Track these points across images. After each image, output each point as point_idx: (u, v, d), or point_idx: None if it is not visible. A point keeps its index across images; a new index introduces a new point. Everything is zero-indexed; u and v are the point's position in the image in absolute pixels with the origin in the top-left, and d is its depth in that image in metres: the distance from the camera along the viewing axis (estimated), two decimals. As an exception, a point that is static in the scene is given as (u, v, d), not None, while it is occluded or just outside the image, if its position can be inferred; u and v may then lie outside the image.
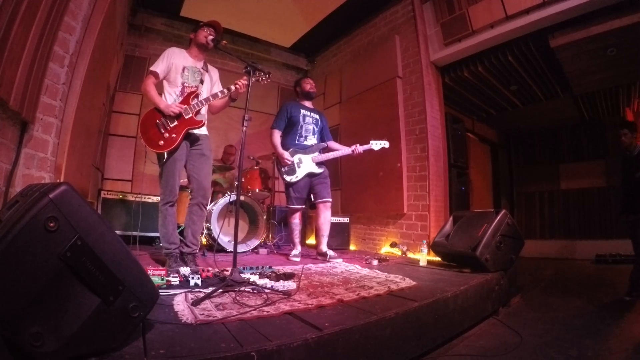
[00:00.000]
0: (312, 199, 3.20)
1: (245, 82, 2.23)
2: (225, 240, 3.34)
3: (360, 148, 3.09)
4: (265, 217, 3.74)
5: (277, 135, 3.14)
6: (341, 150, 3.16)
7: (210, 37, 2.32)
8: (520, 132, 7.12)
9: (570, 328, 1.93)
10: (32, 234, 0.79)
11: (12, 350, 0.75)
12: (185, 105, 2.25)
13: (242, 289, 1.64)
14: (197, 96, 2.33)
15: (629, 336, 1.83)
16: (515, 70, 4.23)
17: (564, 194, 6.38)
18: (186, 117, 2.25)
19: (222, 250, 3.29)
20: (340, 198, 4.87)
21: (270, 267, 2.26)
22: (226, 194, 3.49)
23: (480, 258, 2.29)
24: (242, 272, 1.94)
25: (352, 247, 4.42)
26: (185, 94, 2.31)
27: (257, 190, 3.84)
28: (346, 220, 4.27)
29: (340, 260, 2.96)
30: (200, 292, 1.56)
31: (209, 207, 3.32)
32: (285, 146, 3.14)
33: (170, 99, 2.31)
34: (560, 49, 3.61)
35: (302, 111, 3.20)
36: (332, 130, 4.91)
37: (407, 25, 4.19)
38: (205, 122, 2.42)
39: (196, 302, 1.39)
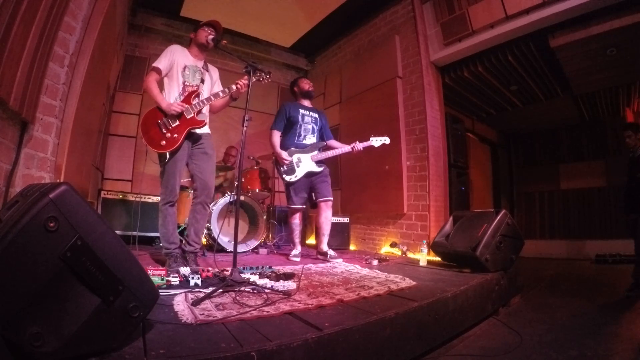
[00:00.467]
0: (314, 198, 3.19)
1: (244, 82, 2.23)
2: (225, 240, 3.34)
3: (359, 145, 3.09)
4: (265, 217, 3.74)
5: (276, 136, 3.14)
6: (341, 148, 3.15)
7: (211, 37, 2.32)
8: (520, 132, 7.12)
9: (570, 328, 1.92)
10: (32, 234, 0.79)
11: (12, 350, 0.75)
12: (187, 105, 2.25)
13: (242, 289, 1.64)
14: (198, 95, 2.33)
15: (629, 336, 1.83)
16: (515, 70, 4.23)
17: (564, 194, 6.38)
18: (188, 117, 2.25)
19: (222, 250, 3.29)
20: (340, 198, 4.87)
21: (270, 267, 2.26)
22: (226, 194, 3.49)
23: (480, 258, 2.29)
24: (242, 272, 1.94)
25: (352, 247, 4.42)
26: (187, 93, 2.31)
27: (257, 190, 3.84)
28: (346, 220, 4.27)
29: (340, 260, 2.96)
30: (200, 292, 1.56)
31: (210, 206, 3.32)
32: (284, 146, 3.14)
33: (171, 98, 2.30)
34: (560, 49, 3.61)
35: (301, 111, 3.20)
36: (332, 130, 4.89)
37: (407, 25, 4.19)
38: (207, 122, 2.41)
39: (196, 302, 1.39)
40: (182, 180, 2.42)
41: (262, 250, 3.57)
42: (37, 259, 0.79)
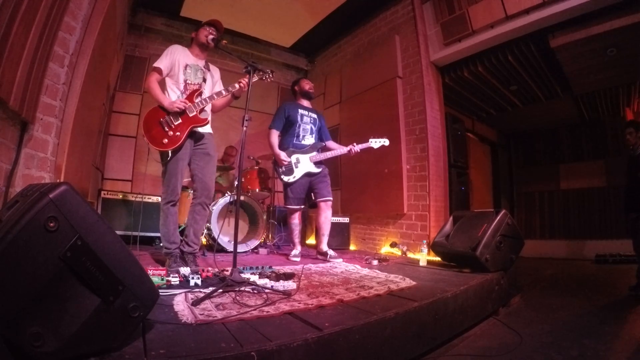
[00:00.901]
0: (313, 198, 3.19)
1: (246, 80, 2.23)
2: (225, 240, 3.34)
3: (357, 147, 3.09)
4: (265, 217, 3.74)
5: (274, 136, 3.14)
6: (338, 150, 3.16)
7: (211, 37, 2.32)
8: (520, 132, 7.12)
9: (570, 328, 1.92)
10: (32, 234, 0.79)
11: (12, 350, 0.75)
12: (190, 103, 2.25)
13: (242, 289, 1.64)
14: (200, 94, 2.33)
15: (629, 336, 1.83)
16: (515, 70, 4.23)
17: (564, 194, 6.38)
18: (190, 115, 2.25)
19: (222, 250, 3.29)
20: (340, 198, 4.87)
21: (270, 267, 2.26)
22: (226, 194, 3.49)
23: (480, 258, 2.29)
24: (242, 272, 1.94)
25: (352, 247, 4.42)
26: (189, 91, 2.31)
27: (257, 190, 3.84)
28: (346, 220, 4.27)
29: (340, 260, 2.96)
30: (200, 292, 1.56)
31: (210, 207, 3.32)
32: (283, 146, 3.14)
33: (173, 96, 2.30)
34: (560, 49, 3.61)
35: (300, 111, 3.20)
36: (332, 130, 4.92)
37: (407, 25, 4.19)
38: (210, 121, 2.41)
39: (196, 302, 1.39)
40: (184, 180, 2.42)
41: (262, 250, 3.57)
42: (37, 259, 0.79)
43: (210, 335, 1.06)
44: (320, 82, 5.59)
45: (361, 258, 3.14)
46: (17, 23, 1.45)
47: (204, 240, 3.55)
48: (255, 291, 1.63)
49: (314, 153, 3.15)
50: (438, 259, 3.00)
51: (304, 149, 3.14)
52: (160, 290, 1.23)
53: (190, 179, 2.60)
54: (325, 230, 3.17)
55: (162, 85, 2.34)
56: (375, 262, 2.85)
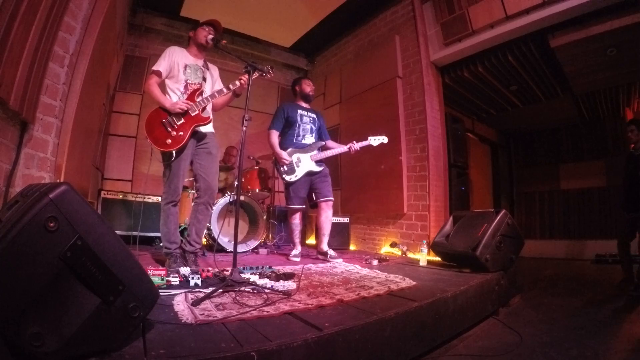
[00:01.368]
0: (314, 198, 3.19)
1: (246, 78, 2.23)
2: (225, 240, 3.34)
3: (357, 145, 3.10)
4: (265, 217, 3.74)
5: (274, 136, 3.14)
6: (338, 148, 3.16)
7: (210, 37, 2.32)
8: (520, 132, 7.12)
9: (570, 328, 1.92)
10: (32, 234, 0.79)
11: (12, 350, 0.75)
12: (192, 103, 2.25)
13: (242, 289, 1.64)
14: (201, 93, 2.33)
15: (629, 336, 1.83)
16: (515, 70, 4.23)
17: (564, 194, 6.38)
18: (192, 115, 2.26)
19: (222, 250, 3.29)
20: (340, 198, 4.87)
21: (270, 267, 2.26)
22: (226, 194, 3.49)
23: (480, 258, 2.29)
24: (242, 272, 1.94)
25: (352, 247, 4.42)
26: (190, 91, 2.31)
27: (257, 190, 3.84)
28: (346, 220, 4.27)
29: (340, 260, 2.96)
30: (200, 292, 1.56)
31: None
32: (283, 146, 3.14)
33: (174, 97, 2.30)
34: (560, 49, 3.60)
35: (299, 111, 3.20)
36: (332, 130, 4.92)
37: (407, 25, 4.19)
38: (212, 119, 2.41)
39: (196, 302, 1.39)
40: (184, 181, 2.42)
41: (262, 250, 3.57)
42: (37, 259, 0.79)
43: (210, 335, 1.06)
44: (320, 82, 5.59)
45: (361, 258, 3.14)
46: (17, 23, 1.45)
47: (203, 240, 3.55)
48: (255, 291, 1.63)
49: (315, 152, 3.16)
50: (438, 259, 3.00)
51: (304, 148, 3.14)
52: (160, 290, 1.23)
53: (191, 179, 2.60)
54: (326, 230, 3.17)
55: (162, 87, 2.34)
56: (375, 262, 2.85)
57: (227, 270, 1.94)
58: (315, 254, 3.25)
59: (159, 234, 3.40)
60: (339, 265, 2.72)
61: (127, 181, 4.39)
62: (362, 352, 1.21)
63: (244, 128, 1.88)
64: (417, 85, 3.99)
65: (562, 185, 6.45)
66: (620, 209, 3.17)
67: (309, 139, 3.21)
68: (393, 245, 3.97)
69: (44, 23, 1.70)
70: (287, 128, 3.18)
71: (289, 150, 3.11)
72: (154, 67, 2.29)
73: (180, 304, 1.38)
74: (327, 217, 3.15)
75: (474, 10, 3.58)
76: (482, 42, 3.66)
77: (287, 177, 3.08)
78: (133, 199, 3.57)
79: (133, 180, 4.40)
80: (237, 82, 2.28)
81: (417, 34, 4.02)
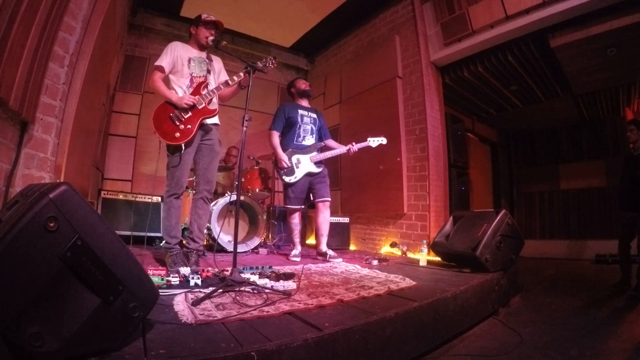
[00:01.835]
0: (312, 198, 3.20)
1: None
2: (225, 240, 3.34)
3: (356, 146, 3.10)
4: (265, 217, 3.74)
5: (275, 137, 3.14)
6: (338, 149, 3.17)
7: (211, 38, 2.32)
8: (520, 132, 7.12)
9: (570, 328, 1.93)
10: (32, 234, 0.79)
11: (12, 350, 0.75)
12: (198, 96, 2.25)
13: (242, 289, 1.64)
14: (207, 86, 2.33)
15: (629, 336, 1.83)
16: (515, 70, 4.23)
17: (564, 194, 6.38)
18: (200, 107, 2.26)
19: (222, 250, 3.29)
20: (340, 198, 4.87)
21: (270, 267, 2.26)
22: (226, 194, 3.49)
23: (480, 258, 2.29)
24: (242, 272, 1.94)
25: (352, 247, 4.42)
26: (195, 84, 2.32)
27: (257, 190, 3.84)
28: (346, 220, 4.27)
29: (340, 260, 2.96)
30: (200, 292, 1.56)
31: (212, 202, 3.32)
32: (283, 146, 3.14)
33: (180, 92, 2.31)
34: (560, 49, 3.61)
35: (300, 111, 3.20)
36: (332, 130, 4.91)
37: (407, 25, 4.19)
38: (218, 111, 2.41)
39: (196, 302, 1.39)
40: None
41: (262, 250, 3.57)
42: (37, 259, 0.79)
43: (210, 335, 1.06)
44: (320, 82, 5.59)
45: (361, 258, 3.14)
46: (17, 23, 1.45)
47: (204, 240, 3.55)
48: (255, 291, 1.63)
49: (314, 153, 3.16)
50: (438, 259, 3.00)
51: (304, 149, 3.14)
52: (160, 290, 1.23)
53: (191, 179, 2.59)
54: (324, 230, 3.17)
55: (167, 82, 2.34)
56: (375, 262, 2.85)
57: (227, 270, 1.94)
58: (315, 254, 3.25)
59: (159, 234, 3.41)
60: (339, 265, 2.72)
61: (127, 181, 4.39)
62: (362, 352, 1.21)
63: (244, 128, 1.88)
64: (417, 85, 3.99)
65: (562, 185, 6.45)
66: (619, 209, 3.18)
67: (309, 140, 3.21)
68: (393, 245, 3.97)
69: (44, 23, 1.70)
70: (288, 128, 3.17)
71: (289, 151, 3.11)
72: (157, 63, 2.28)
73: (180, 304, 1.38)
74: (325, 217, 3.16)
75: (474, 10, 3.58)
76: (482, 42, 3.66)
77: (287, 178, 3.08)
78: (133, 198, 3.57)
79: (133, 180, 4.40)
80: (241, 74, 2.26)
81: (417, 34, 4.02)
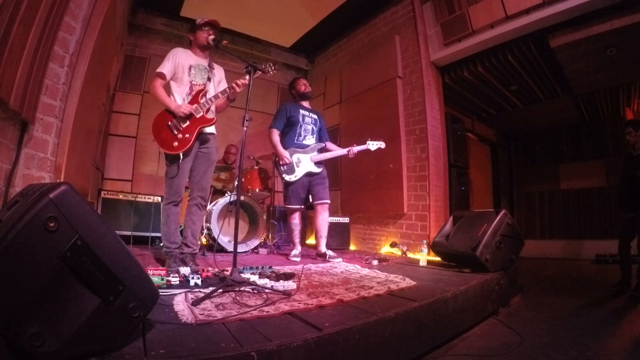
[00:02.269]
0: (310, 200, 3.20)
1: (243, 82, 2.24)
2: (225, 240, 3.34)
3: (355, 149, 3.12)
4: (265, 217, 3.74)
5: (276, 135, 3.15)
6: (337, 151, 3.18)
7: (211, 37, 2.32)
8: (520, 132, 7.12)
9: (570, 328, 1.93)
10: (32, 234, 0.79)
11: (12, 350, 0.75)
12: (195, 105, 2.26)
13: (242, 289, 1.64)
14: (205, 94, 2.33)
15: (629, 336, 1.83)
16: (515, 70, 4.23)
17: (564, 194, 6.38)
18: (197, 116, 2.27)
19: (222, 250, 3.29)
20: (340, 198, 4.87)
21: (270, 267, 2.26)
22: (226, 194, 3.49)
23: (480, 258, 2.29)
24: (242, 272, 1.94)
25: (352, 247, 4.42)
26: (194, 92, 2.32)
27: (257, 190, 3.84)
28: (346, 220, 4.27)
29: (340, 260, 2.96)
30: (200, 292, 1.56)
31: (209, 207, 3.33)
32: (284, 145, 3.14)
33: (179, 99, 2.31)
34: (560, 49, 3.61)
35: (301, 111, 3.20)
36: (332, 130, 4.93)
37: (407, 25, 4.19)
38: (215, 120, 2.42)
39: (196, 302, 1.39)
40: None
41: (262, 250, 3.57)
42: (37, 259, 0.79)
43: (210, 335, 1.06)
44: (320, 82, 5.59)
45: (361, 258, 3.14)
46: (17, 23, 1.45)
47: (204, 240, 3.55)
48: (255, 291, 1.63)
49: (315, 153, 3.16)
50: (438, 259, 3.00)
51: (305, 149, 3.15)
52: (160, 290, 1.23)
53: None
54: (323, 232, 3.18)
55: (167, 88, 2.35)
56: (375, 262, 2.85)
57: (227, 270, 1.94)
58: (314, 254, 3.25)
59: (159, 234, 3.41)
60: (339, 265, 2.72)
61: (127, 181, 4.39)
62: (362, 352, 1.21)
63: (245, 128, 1.88)
64: (417, 85, 3.99)
65: (562, 185, 6.44)
66: (619, 209, 3.18)
67: (310, 140, 3.22)
68: (393, 245, 3.97)
69: (44, 23, 1.70)
70: (289, 128, 3.18)
71: (290, 149, 3.11)
72: (158, 70, 2.29)
73: (180, 303, 1.38)
74: (324, 219, 3.16)
75: (474, 10, 3.58)
76: (482, 42, 3.66)
77: (287, 177, 3.08)
78: (133, 198, 3.57)
79: (133, 180, 4.40)
80: (227, 90, 2.29)
81: (417, 34, 4.02)
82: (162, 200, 2.41)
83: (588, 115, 5.93)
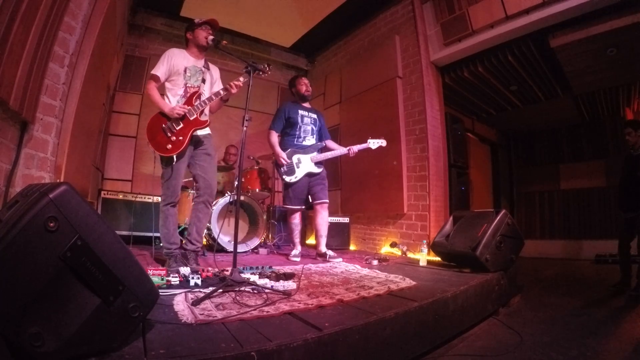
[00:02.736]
0: (310, 200, 3.20)
1: (237, 83, 2.24)
2: (225, 240, 3.34)
3: (355, 148, 3.11)
4: (265, 217, 3.74)
5: (274, 136, 3.15)
6: (338, 150, 3.17)
7: (210, 38, 2.32)
8: (520, 132, 7.12)
9: (570, 328, 1.93)
10: (32, 234, 0.79)
11: (12, 350, 0.75)
12: (189, 107, 2.25)
13: (242, 289, 1.64)
14: (199, 96, 2.33)
15: (629, 336, 1.83)
16: (515, 70, 4.23)
17: (564, 194, 6.38)
18: (191, 119, 2.26)
19: (222, 250, 3.29)
20: (340, 198, 4.87)
21: (270, 267, 2.26)
22: (226, 194, 3.49)
23: (480, 258, 2.29)
24: (242, 272, 1.94)
25: (352, 247, 4.42)
26: (188, 94, 2.31)
27: (257, 190, 3.84)
28: (346, 220, 4.27)
29: (340, 260, 2.96)
30: (200, 292, 1.56)
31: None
32: (284, 146, 3.14)
33: (173, 101, 2.31)
34: (560, 49, 3.61)
35: (301, 112, 3.20)
36: (332, 130, 4.91)
37: (407, 25, 4.19)
38: (209, 122, 2.42)
39: (196, 302, 1.39)
40: (183, 181, 2.43)
41: (262, 250, 3.57)
42: (37, 259, 0.79)
43: (210, 335, 1.06)
44: (320, 82, 5.59)
45: (361, 258, 3.14)
46: (17, 23, 1.45)
47: (204, 240, 3.55)
48: (255, 291, 1.63)
49: (315, 153, 3.16)
50: (438, 259, 3.00)
51: (305, 149, 3.15)
52: (160, 290, 1.23)
53: (189, 179, 2.61)
54: (323, 232, 3.18)
55: (162, 89, 2.35)
56: (375, 262, 2.85)
57: (227, 270, 1.94)
58: (315, 255, 3.25)
59: (159, 234, 3.41)
60: (339, 265, 2.72)
61: (127, 181, 4.39)
62: (362, 352, 1.21)
63: (244, 128, 1.88)
64: (417, 85, 3.99)
65: (562, 185, 6.44)
66: (619, 209, 3.18)
67: (310, 141, 3.21)
68: (393, 245, 3.97)
69: (44, 23, 1.70)
70: (288, 129, 3.18)
71: (289, 150, 3.11)
72: (153, 72, 2.30)
73: (180, 303, 1.38)
74: (323, 219, 3.16)
75: (474, 10, 3.58)
76: (482, 42, 3.66)
77: (287, 178, 3.08)
78: (133, 198, 3.57)
79: (133, 180, 4.40)
80: (221, 92, 2.29)
81: (417, 34, 4.02)
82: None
83: (588, 115, 5.93)
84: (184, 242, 2.45)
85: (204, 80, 2.42)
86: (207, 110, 2.42)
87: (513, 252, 2.50)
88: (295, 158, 3.10)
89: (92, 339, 0.86)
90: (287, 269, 2.23)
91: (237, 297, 1.51)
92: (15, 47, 1.47)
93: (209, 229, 3.42)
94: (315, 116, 3.30)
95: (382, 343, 1.29)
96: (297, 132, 3.17)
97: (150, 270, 1.85)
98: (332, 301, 1.51)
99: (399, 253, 3.81)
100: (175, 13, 4.71)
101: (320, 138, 3.31)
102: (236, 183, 2.29)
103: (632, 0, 2.87)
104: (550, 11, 3.09)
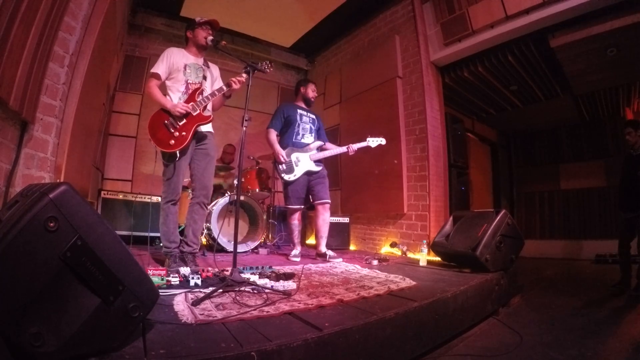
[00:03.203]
0: (311, 200, 3.20)
1: (240, 79, 2.25)
2: (225, 240, 3.34)
3: (354, 146, 3.11)
4: (265, 217, 3.74)
5: (273, 134, 3.15)
6: (337, 148, 3.18)
7: (210, 38, 2.32)
8: (520, 132, 7.12)
9: (570, 328, 1.92)
10: (32, 234, 0.79)
11: (12, 350, 0.75)
12: (192, 103, 2.25)
13: (242, 289, 1.64)
14: (201, 92, 2.33)
15: (629, 336, 1.83)
16: (515, 70, 4.23)
17: (564, 194, 6.38)
18: (194, 114, 2.27)
19: (222, 250, 3.29)
20: (340, 198, 4.87)
21: (270, 267, 2.26)
22: (226, 194, 3.49)
23: (480, 258, 2.29)
24: (242, 272, 1.94)
25: (352, 247, 4.42)
26: (190, 91, 2.32)
27: (256, 190, 3.84)
28: (346, 220, 4.27)
29: (340, 260, 2.96)
30: (200, 292, 1.56)
31: (208, 207, 3.32)
32: (282, 144, 3.15)
33: (175, 98, 2.31)
34: (560, 49, 3.60)
35: (299, 111, 3.21)
36: (332, 130, 4.93)
37: (407, 25, 4.19)
38: (213, 118, 2.42)
39: (196, 302, 1.39)
40: (185, 180, 2.43)
41: (262, 250, 3.57)
42: (37, 259, 0.79)
43: (210, 335, 1.06)
44: (320, 82, 5.58)
45: (361, 258, 3.14)
46: (17, 23, 1.45)
47: (203, 240, 3.55)
48: (255, 291, 1.63)
49: (314, 152, 3.16)
50: (438, 259, 3.00)
51: (304, 148, 3.14)
52: (160, 290, 1.23)
53: (189, 179, 2.60)
54: (324, 232, 3.17)
55: (163, 88, 2.34)
56: (375, 262, 2.85)
57: (227, 270, 1.94)
58: (314, 255, 3.25)
59: (159, 234, 3.41)
60: (339, 265, 2.72)
61: (127, 181, 4.39)
62: (362, 352, 1.21)
63: (244, 128, 1.88)
64: (417, 85, 3.99)
65: (562, 185, 6.44)
66: (619, 209, 3.18)
67: (309, 139, 3.21)
68: (393, 245, 3.97)
69: (44, 23, 1.70)
70: (287, 127, 3.18)
71: (288, 149, 3.11)
72: (152, 70, 2.29)
73: (180, 303, 1.38)
74: (324, 219, 3.16)
75: (474, 10, 3.58)
76: (482, 42, 3.66)
77: (286, 177, 3.08)
78: (133, 198, 3.57)
79: (133, 180, 4.40)
80: (224, 87, 2.30)
81: (417, 34, 4.02)
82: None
83: (588, 116, 5.93)
84: (181, 244, 2.45)
85: (205, 77, 2.42)
86: (209, 106, 2.42)
87: (513, 252, 2.50)
88: (294, 156, 3.10)
89: (92, 339, 0.86)
90: (287, 269, 2.23)
91: (237, 297, 1.51)
92: (15, 47, 1.47)
93: (208, 229, 3.42)
94: (313, 116, 3.30)
95: (382, 343, 1.29)
96: (296, 130, 3.17)
97: (150, 270, 1.84)
98: (332, 301, 1.51)
99: (399, 253, 3.81)
100: (175, 13, 4.71)
101: (318, 139, 3.31)
102: (236, 183, 2.29)
103: (632, 0, 2.87)
104: (550, 11, 3.09)
